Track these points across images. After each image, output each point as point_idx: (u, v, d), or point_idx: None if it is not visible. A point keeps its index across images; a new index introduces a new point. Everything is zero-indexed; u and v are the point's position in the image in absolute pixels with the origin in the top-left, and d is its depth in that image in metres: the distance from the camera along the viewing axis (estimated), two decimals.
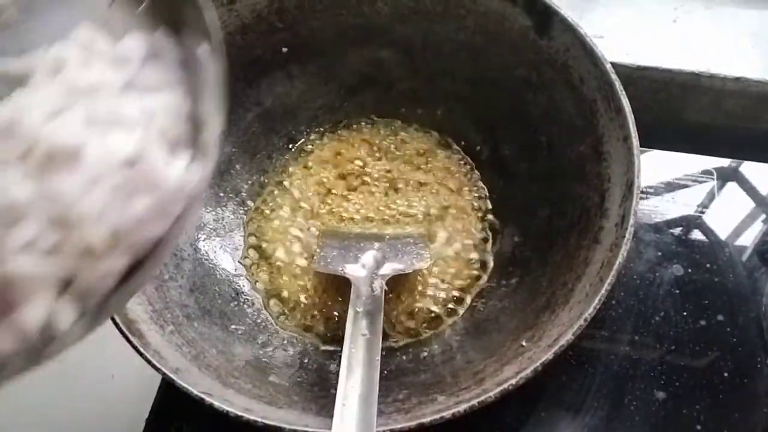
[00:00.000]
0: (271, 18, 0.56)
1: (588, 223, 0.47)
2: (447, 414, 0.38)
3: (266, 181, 0.61)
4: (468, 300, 0.54)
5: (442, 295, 0.54)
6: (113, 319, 0.42)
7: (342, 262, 0.52)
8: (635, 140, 0.44)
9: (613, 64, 0.57)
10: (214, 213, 0.59)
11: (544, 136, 0.54)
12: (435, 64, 0.58)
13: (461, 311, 0.54)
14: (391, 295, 0.53)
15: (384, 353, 0.52)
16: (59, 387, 0.61)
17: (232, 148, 0.60)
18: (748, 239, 0.60)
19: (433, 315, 0.54)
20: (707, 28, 0.65)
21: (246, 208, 0.60)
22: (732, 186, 0.63)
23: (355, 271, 0.51)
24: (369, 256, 0.53)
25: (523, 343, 0.43)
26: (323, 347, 0.53)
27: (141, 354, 0.41)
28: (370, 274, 0.51)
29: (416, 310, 0.54)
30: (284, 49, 0.58)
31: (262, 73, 0.59)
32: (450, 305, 0.54)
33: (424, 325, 0.53)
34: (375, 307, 0.48)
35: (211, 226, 0.58)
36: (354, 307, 0.47)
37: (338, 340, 0.50)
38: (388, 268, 0.52)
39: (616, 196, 0.45)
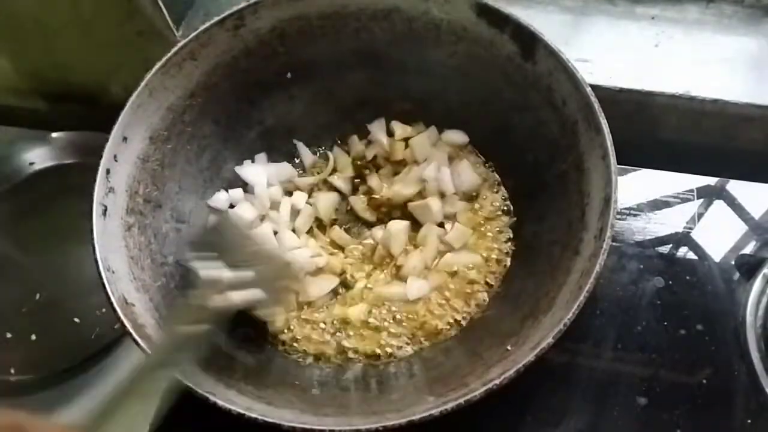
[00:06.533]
0: (273, 43, 0.59)
1: (570, 236, 0.50)
2: (435, 412, 0.41)
3: None
4: (467, 316, 0.57)
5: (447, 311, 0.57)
6: (123, 324, 0.45)
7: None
8: (613, 158, 0.47)
9: (598, 87, 0.60)
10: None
11: (530, 155, 0.57)
12: (428, 87, 0.62)
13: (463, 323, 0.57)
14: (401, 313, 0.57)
15: (382, 359, 0.55)
16: (62, 393, 0.63)
17: (235, 165, 0.63)
18: (726, 253, 0.63)
19: (438, 328, 0.56)
20: (687, 53, 0.68)
21: None
22: (713, 203, 0.66)
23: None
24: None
25: (508, 348, 0.46)
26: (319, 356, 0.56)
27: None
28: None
29: (424, 323, 0.56)
30: (289, 75, 0.62)
31: (264, 94, 0.62)
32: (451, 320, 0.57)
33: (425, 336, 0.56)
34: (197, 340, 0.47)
35: None
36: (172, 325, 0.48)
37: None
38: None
39: (595, 210, 0.48)
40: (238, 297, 0.48)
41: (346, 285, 0.59)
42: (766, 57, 0.67)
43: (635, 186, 0.67)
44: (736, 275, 0.61)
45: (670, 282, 0.61)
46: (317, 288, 0.58)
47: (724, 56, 0.67)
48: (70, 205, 0.72)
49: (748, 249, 0.63)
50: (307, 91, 0.63)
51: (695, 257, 0.62)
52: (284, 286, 0.55)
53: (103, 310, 0.66)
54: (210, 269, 0.47)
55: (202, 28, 0.55)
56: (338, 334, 0.56)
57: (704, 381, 0.56)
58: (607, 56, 0.68)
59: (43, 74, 0.83)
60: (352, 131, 0.67)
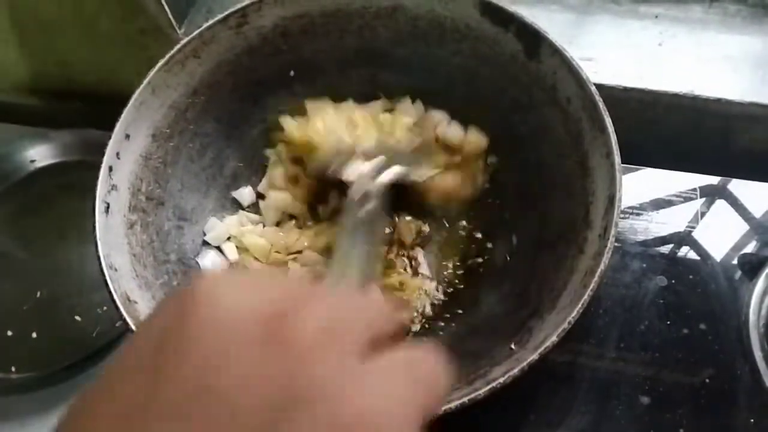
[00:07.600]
0: (276, 41, 0.59)
1: (574, 234, 0.49)
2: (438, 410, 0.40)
3: None
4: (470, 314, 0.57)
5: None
6: (125, 322, 0.45)
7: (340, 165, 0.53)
8: (617, 157, 0.47)
9: (602, 86, 0.60)
10: (219, 223, 0.61)
11: (533, 154, 0.57)
12: (432, 85, 0.61)
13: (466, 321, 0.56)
14: None
15: None
16: (64, 391, 0.63)
17: (238, 163, 0.63)
18: (729, 252, 0.63)
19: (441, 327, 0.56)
20: (690, 52, 0.68)
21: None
22: (716, 202, 0.66)
23: (353, 173, 0.52)
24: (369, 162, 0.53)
25: (512, 347, 0.46)
26: None
27: None
28: (369, 178, 0.51)
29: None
30: (292, 73, 0.61)
31: (267, 92, 0.62)
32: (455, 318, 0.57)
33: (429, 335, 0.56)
34: (373, 216, 0.48)
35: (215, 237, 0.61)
36: (348, 217, 0.47)
37: None
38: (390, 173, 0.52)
39: (600, 208, 0.48)
40: (386, 177, 0.51)
41: None
42: None
43: (637, 185, 0.67)
44: (739, 274, 0.61)
45: (673, 281, 0.61)
46: None
47: (727, 55, 0.67)
48: (71, 202, 0.72)
49: (751, 248, 0.63)
50: (311, 90, 0.62)
51: (698, 256, 0.62)
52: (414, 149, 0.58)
53: (105, 308, 0.66)
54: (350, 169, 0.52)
55: (205, 25, 0.55)
56: None
57: (707, 380, 0.56)
58: (611, 55, 0.68)
59: (45, 71, 0.83)
60: None
